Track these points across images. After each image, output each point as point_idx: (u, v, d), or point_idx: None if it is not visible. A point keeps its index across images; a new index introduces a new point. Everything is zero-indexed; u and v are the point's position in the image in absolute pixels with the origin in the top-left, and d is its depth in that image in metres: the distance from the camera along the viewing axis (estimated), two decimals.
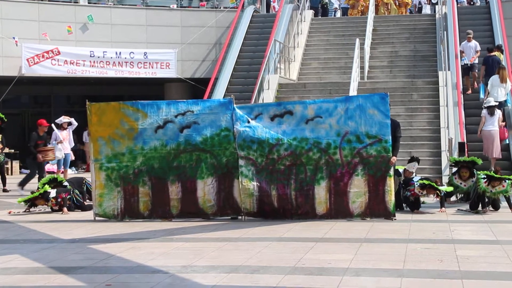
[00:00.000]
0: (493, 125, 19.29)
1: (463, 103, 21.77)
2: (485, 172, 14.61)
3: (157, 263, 9.26)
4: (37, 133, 20.16)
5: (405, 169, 15.14)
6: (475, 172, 15.05)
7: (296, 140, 13.28)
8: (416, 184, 14.20)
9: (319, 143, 13.21)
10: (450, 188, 14.80)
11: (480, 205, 14.39)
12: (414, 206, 14.34)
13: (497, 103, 19.83)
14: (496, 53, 22.95)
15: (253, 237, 11.49)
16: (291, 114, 13.37)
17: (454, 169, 15.69)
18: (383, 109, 13.06)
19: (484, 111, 19.62)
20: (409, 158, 15.73)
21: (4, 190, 20.41)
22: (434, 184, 14.15)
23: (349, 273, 8.45)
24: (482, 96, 22.18)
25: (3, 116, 20.86)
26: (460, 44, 24.02)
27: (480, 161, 15.19)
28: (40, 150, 19.77)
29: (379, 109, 13.05)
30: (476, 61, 23.57)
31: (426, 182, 14.13)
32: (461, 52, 23.57)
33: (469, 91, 23.10)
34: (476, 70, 23.52)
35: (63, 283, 8.22)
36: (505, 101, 21.08)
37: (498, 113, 19.60)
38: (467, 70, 23.56)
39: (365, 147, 13.06)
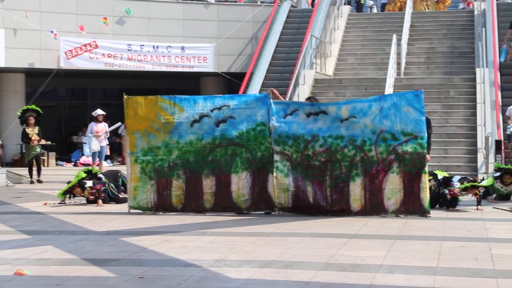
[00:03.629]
0: None
1: (500, 100, 21.56)
2: None
3: (190, 256, 9.29)
4: None
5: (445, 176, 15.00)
6: None
7: (332, 137, 13.24)
8: (456, 185, 14.07)
9: (355, 140, 13.16)
10: (490, 181, 14.59)
11: None
12: (451, 204, 14.21)
13: None
14: None
15: (286, 232, 11.48)
16: (325, 114, 13.34)
17: (497, 173, 15.64)
18: (418, 106, 12.98)
19: None
20: (464, 177, 15.38)
21: (39, 181, 20.63)
22: (476, 183, 14.00)
23: (382, 270, 8.41)
24: (502, 59, 23.11)
25: (38, 109, 21.11)
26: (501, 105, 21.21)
27: None
28: None
29: (414, 106, 12.96)
30: None
31: (468, 184, 13.98)
32: (507, 117, 19.63)
33: None
34: None
35: (97, 275, 8.28)
36: None
37: None
38: None
39: (401, 144, 12.98)
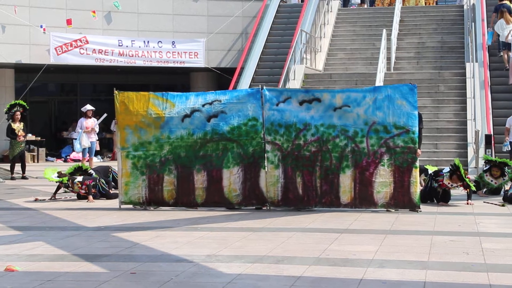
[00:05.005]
0: None
1: (490, 95, 21.63)
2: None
3: (181, 252, 9.28)
4: None
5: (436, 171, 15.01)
6: (506, 171, 15.26)
7: (324, 126, 13.25)
8: (446, 175, 14.10)
9: (346, 130, 13.17)
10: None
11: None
12: (443, 198, 14.22)
13: None
14: (507, 1, 24.44)
15: (277, 227, 11.48)
16: (319, 101, 13.33)
17: (486, 166, 15.73)
18: (412, 100, 13.01)
19: (510, 38, 22.19)
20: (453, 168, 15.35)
21: (24, 177, 20.51)
22: (463, 175, 14.00)
23: (373, 264, 8.42)
24: (489, 43, 23.84)
25: (25, 104, 21.06)
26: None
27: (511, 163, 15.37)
28: None
29: (408, 100, 12.99)
30: None
31: (453, 168, 13.99)
32: (507, 129, 18.19)
33: None
34: None
35: (88, 271, 8.26)
36: None
37: None
38: None
39: (392, 137, 13.01)
